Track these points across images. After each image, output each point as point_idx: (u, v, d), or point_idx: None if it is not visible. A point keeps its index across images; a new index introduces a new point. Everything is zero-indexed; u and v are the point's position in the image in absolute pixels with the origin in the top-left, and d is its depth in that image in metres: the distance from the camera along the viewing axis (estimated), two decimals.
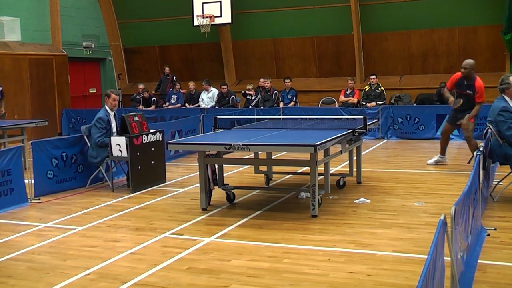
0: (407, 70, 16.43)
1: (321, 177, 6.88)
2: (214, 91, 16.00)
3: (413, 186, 8.00)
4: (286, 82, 15.40)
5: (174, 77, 17.41)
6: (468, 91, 8.75)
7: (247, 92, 15.53)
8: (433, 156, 9.82)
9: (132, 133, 8.08)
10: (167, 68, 17.49)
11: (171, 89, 16.82)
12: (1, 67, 14.57)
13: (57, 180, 8.21)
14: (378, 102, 14.22)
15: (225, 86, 15.68)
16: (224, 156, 7.20)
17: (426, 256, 2.86)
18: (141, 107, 16.36)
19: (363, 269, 4.66)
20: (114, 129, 8.37)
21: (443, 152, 9.55)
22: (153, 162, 8.43)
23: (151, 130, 8.55)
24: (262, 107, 14.95)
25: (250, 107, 15.14)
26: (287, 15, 17.11)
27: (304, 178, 8.55)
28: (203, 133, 12.19)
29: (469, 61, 8.86)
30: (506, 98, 6.79)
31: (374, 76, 14.59)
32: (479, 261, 4.72)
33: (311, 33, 17.02)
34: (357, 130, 7.41)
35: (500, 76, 7.36)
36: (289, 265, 4.85)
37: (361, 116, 8.34)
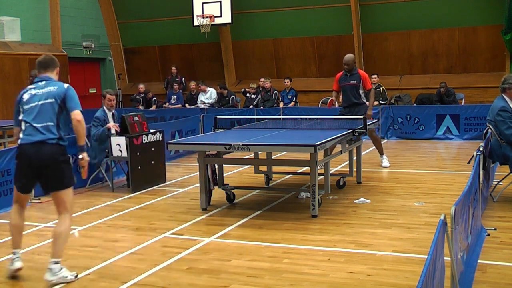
0: (407, 70, 16.43)
1: (321, 177, 6.88)
2: (211, 91, 16.00)
3: (413, 186, 8.00)
4: (286, 82, 15.40)
5: (183, 78, 17.38)
6: (352, 82, 9.23)
7: (247, 90, 15.57)
8: (431, 155, 9.80)
9: (132, 133, 8.08)
10: (173, 68, 17.44)
11: (170, 89, 16.81)
12: (1, 67, 14.57)
13: None
14: (380, 102, 14.21)
15: (223, 88, 15.66)
16: (224, 156, 7.20)
17: (426, 256, 2.86)
18: (141, 107, 16.37)
19: (363, 269, 4.66)
20: (113, 130, 8.33)
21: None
22: (153, 162, 8.43)
23: (151, 130, 8.54)
24: (262, 107, 14.95)
25: (251, 107, 15.14)
26: (287, 15, 17.11)
27: (304, 178, 8.55)
28: (203, 133, 12.19)
29: (350, 55, 9.35)
30: (506, 98, 6.78)
31: (375, 76, 14.57)
32: (479, 261, 4.72)
33: (311, 33, 17.03)
34: (357, 130, 7.41)
35: (500, 76, 7.37)
36: (289, 265, 4.85)
37: (361, 116, 8.33)
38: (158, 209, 7.10)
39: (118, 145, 7.94)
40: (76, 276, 4.67)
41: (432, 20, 15.75)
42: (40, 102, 4.66)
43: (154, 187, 8.32)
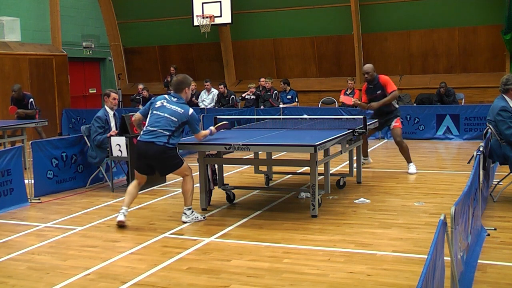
0: (407, 70, 16.43)
1: (321, 177, 6.88)
2: (214, 92, 16.02)
3: (413, 186, 8.00)
4: (282, 85, 15.38)
5: None
6: (378, 92, 8.87)
7: (243, 96, 15.67)
8: (431, 155, 9.79)
9: (132, 133, 8.07)
10: (172, 69, 17.41)
11: (168, 91, 16.81)
12: (1, 67, 14.56)
13: (57, 180, 8.21)
14: None
15: (222, 86, 15.67)
16: (224, 156, 7.20)
17: (426, 256, 2.86)
18: (141, 107, 16.36)
19: (363, 269, 4.66)
20: (114, 129, 8.34)
21: (365, 154, 9.51)
22: None
23: None
24: (262, 107, 14.96)
25: (251, 106, 15.15)
26: (287, 15, 17.11)
27: (304, 178, 8.55)
28: None
29: (368, 65, 8.95)
30: (506, 98, 6.77)
31: None
32: (479, 261, 4.72)
33: (311, 33, 17.03)
34: (357, 130, 7.41)
35: (500, 76, 7.35)
36: (289, 265, 4.85)
37: (361, 116, 8.33)
38: (158, 209, 7.10)
39: (118, 145, 7.94)
40: (205, 217, 6.36)
41: (432, 20, 15.76)
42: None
43: (154, 187, 8.32)
